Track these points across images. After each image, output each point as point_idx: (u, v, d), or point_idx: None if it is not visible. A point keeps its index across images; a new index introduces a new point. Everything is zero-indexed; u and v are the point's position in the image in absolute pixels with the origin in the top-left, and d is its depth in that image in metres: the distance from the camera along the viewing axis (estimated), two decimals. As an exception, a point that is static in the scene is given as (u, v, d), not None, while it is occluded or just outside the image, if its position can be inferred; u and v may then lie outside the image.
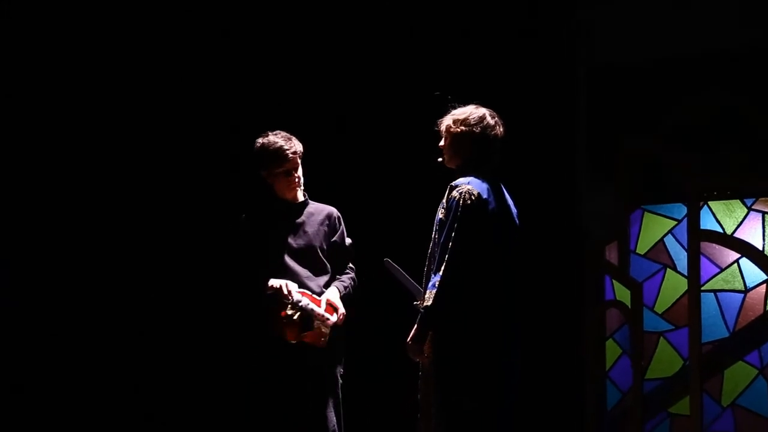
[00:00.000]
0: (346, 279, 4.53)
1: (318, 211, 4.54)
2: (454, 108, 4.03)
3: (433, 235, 3.94)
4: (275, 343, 4.37)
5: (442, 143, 4.03)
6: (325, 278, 4.48)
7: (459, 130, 3.95)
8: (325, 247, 4.50)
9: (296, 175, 4.46)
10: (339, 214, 4.59)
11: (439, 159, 4.04)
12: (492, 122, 3.96)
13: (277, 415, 4.39)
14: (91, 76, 6.08)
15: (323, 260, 4.48)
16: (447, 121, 4.00)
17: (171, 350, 6.00)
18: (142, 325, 6.03)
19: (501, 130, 3.99)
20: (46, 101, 6.07)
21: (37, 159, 6.08)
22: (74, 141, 6.10)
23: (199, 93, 6.02)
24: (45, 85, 6.06)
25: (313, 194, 4.61)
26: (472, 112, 3.98)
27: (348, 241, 4.60)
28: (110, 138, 6.09)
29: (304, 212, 4.52)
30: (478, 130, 3.94)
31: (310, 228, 4.49)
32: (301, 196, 4.53)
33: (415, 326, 3.82)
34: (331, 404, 4.40)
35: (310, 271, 4.45)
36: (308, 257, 4.45)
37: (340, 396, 4.47)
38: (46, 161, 6.09)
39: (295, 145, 4.44)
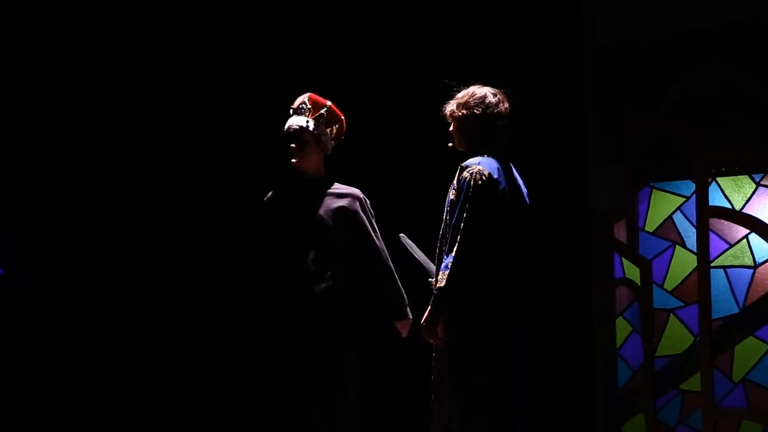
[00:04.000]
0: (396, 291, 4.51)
1: (340, 192, 4.54)
2: (457, 91, 4.05)
3: (444, 216, 3.97)
4: (270, 337, 4.44)
5: (451, 130, 4.06)
6: (334, 264, 4.44)
7: (461, 113, 4.01)
8: (337, 229, 4.47)
9: (290, 145, 4.50)
10: (363, 197, 4.55)
11: (450, 144, 4.07)
12: (494, 101, 4.00)
13: (273, 408, 4.42)
14: (86, 70, 6.10)
15: (335, 245, 4.45)
16: (450, 107, 4.06)
17: (167, 347, 6.02)
18: (140, 321, 6.05)
19: (505, 106, 4.03)
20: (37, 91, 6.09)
21: (31, 149, 6.10)
22: (74, 127, 6.12)
23: (210, 77, 6.05)
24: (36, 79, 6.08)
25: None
26: (473, 93, 4.02)
27: (368, 236, 4.51)
28: (112, 129, 6.12)
29: (324, 191, 4.52)
30: (479, 111, 3.98)
31: (324, 208, 4.46)
32: (317, 171, 4.55)
33: (429, 308, 3.86)
34: (330, 395, 4.40)
35: (319, 254, 4.43)
36: (322, 240, 4.43)
37: (351, 383, 4.47)
38: (38, 148, 6.11)
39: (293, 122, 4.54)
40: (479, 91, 4.04)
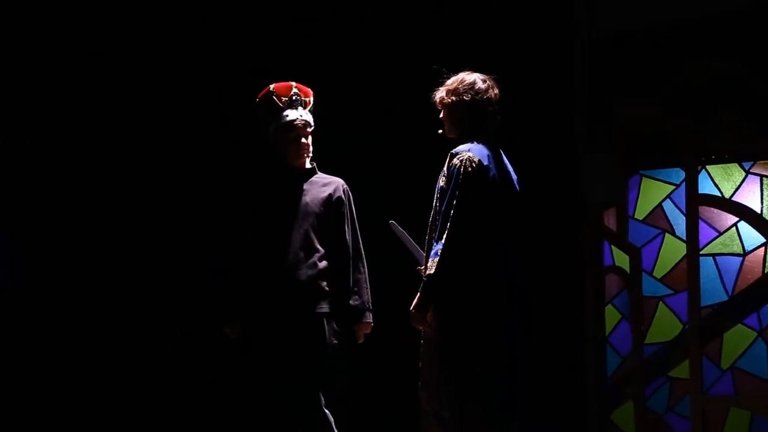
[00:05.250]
0: (362, 294, 4.55)
1: (323, 180, 4.56)
2: (447, 77, 4.05)
3: (434, 204, 3.98)
4: (260, 336, 4.46)
5: (441, 117, 4.06)
6: (323, 251, 4.47)
7: (451, 100, 4.01)
8: (324, 217, 4.50)
9: (303, 141, 4.49)
10: (347, 187, 4.62)
11: (440, 131, 4.07)
12: (484, 87, 4.01)
13: (266, 406, 4.44)
14: (81, 70, 6.08)
15: (323, 231, 4.48)
16: (440, 94, 4.07)
17: (158, 346, 6.00)
18: (137, 320, 6.03)
19: (495, 92, 4.04)
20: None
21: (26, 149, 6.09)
22: (69, 128, 6.10)
23: (203, 59, 6.02)
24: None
25: (319, 161, 4.64)
26: (462, 79, 4.03)
27: (348, 232, 4.58)
28: (106, 130, 6.10)
29: (309, 180, 4.53)
30: (468, 97, 3.99)
31: (312, 196, 4.50)
32: (308, 163, 4.56)
33: (418, 294, 3.87)
34: (320, 379, 4.44)
35: (307, 242, 4.45)
36: (307, 227, 4.46)
37: (339, 365, 4.51)
38: (33, 148, 6.09)
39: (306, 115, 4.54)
40: (468, 77, 4.04)
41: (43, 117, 6.08)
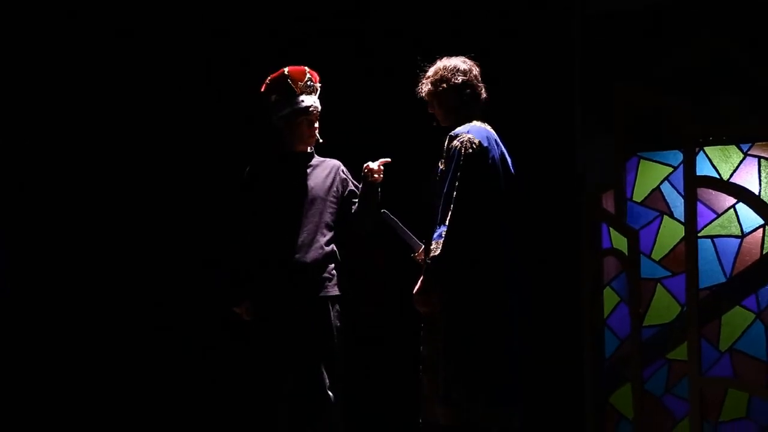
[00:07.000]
0: None
1: (322, 163, 4.61)
2: (425, 69, 4.05)
3: (433, 187, 3.95)
4: (266, 318, 4.48)
5: (430, 110, 4.05)
6: (329, 235, 4.50)
7: (442, 88, 4.03)
8: (331, 200, 4.52)
9: (316, 126, 4.59)
10: (343, 166, 4.68)
11: (434, 123, 4.07)
12: (467, 67, 4.05)
13: (270, 388, 4.43)
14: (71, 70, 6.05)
15: (328, 214, 4.51)
16: (427, 87, 4.05)
17: (158, 345, 6.00)
18: (131, 316, 6.02)
19: (477, 70, 4.09)
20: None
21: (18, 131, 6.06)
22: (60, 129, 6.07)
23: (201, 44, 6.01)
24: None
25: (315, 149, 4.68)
26: (444, 66, 4.05)
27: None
28: (100, 130, 6.08)
29: (310, 164, 4.58)
30: (459, 80, 4.01)
31: (316, 180, 4.53)
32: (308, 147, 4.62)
33: (422, 277, 3.86)
34: (324, 361, 4.44)
35: (315, 225, 4.47)
36: (313, 210, 4.48)
37: (339, 349, 4.51)
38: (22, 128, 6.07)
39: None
40: (449, 62, 4.06)
41: (38, 112, 6.07)
